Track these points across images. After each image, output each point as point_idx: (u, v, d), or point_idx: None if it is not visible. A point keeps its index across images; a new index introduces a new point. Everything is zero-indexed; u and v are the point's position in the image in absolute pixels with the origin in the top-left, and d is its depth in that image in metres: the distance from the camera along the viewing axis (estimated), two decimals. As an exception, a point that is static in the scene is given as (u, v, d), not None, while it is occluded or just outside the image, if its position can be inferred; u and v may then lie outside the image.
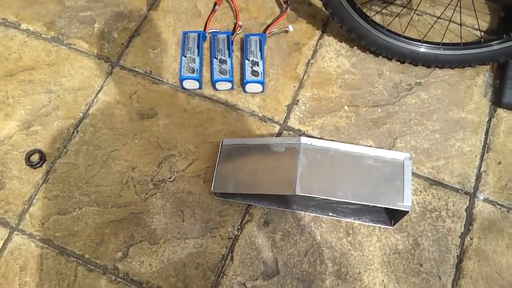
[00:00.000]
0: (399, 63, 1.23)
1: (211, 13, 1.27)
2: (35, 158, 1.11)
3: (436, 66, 1.21)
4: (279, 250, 1.03)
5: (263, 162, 1.03)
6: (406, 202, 0.94)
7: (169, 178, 1.10)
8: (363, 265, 1.02)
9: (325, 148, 1.00)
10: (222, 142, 1.10)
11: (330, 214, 1.06)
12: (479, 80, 1.21)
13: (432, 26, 1.25)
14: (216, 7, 1.28)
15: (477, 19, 1.23)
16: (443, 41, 1.17)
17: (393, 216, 1.05)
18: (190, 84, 1.17)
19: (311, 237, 1.04)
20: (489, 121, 1.17)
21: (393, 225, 1.05)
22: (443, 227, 1.05)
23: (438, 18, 1.27)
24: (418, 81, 1.21)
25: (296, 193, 0.94)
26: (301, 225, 1.05)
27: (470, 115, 1.17)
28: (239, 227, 1.05)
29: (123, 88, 1.20)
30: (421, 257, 1.03)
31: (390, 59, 1.23)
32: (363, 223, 1.06)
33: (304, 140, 1.00)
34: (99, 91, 1.19)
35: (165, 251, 1.03)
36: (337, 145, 1.00)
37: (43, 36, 1.26)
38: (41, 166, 1.11)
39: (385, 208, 1.06)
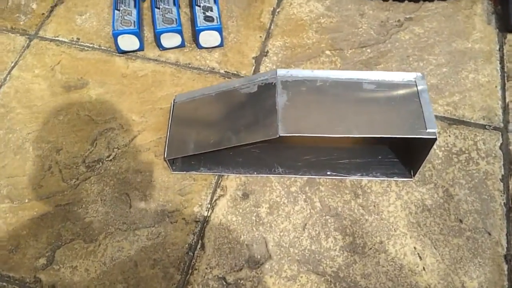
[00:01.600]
0: (381, 1, 1.03)
1: (149, -31, 1.05)
2: None
3: (425, -2, 1.01)
4: (267, 227, 0.74)
5: (231, 109, 0.77)
6: (430, 127, 0.69)
7: (108, 156, 0.81)
8: (384, 231, 0.74)
9: (310, 78, 0.75)
10: (174, 100, 0.83)
11: (329, 173, 0.79)
12: (477, 9, 1.01)
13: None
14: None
15: None
16: (429, -36, 0.99)
17: (411, 163, 0.79)
18: (127, 43, 0.92)
19: (308, 205, 0.76)
20: (500, 49, 0.95)
21: (414, 175, 0.78)
22: (478, 171, 0.79)
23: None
24: (408, 16, 1.00)
25: (280, 134, 0.67)
26: (293, 192, 0.77)
27: (477, 44, 0.95)
28: (208, 205, 0.76)
29: (43, 60, 0.93)
30: (459, 211, 0.75)
31: (370, -4, 1.03)
32: (374, 178, 0.79)
33: (281, 72, 0.75)
34: (12, 68, 0.92)
35: (107, 249, 0.72)
36: (325, 73, 0.75)
37: None
38: None
39: (399, 153, 0.80)
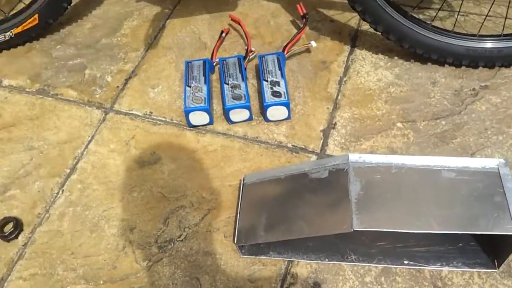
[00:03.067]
0: (453, 67, 0.99)
1: (217, 41, 1.08)
2: (8, 227, 0.86)
3: (502, 65, 0.97)
4: (340, 321, 0.71)
5: (302, 195, 0.76)
6: (518, 224, 0.64)
7: (179, 236, 0.82)
8: (469, 331, 0.69)
9: (384, 165, 0.73)
10: (243, 180, 0.84)
11: (406, 262, 0.75)
12: (561, 74, 0.95)
13: (483, 23, 1.02)
14: (223, 35, 1.09)
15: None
16: (503, 32, 0.94)
17: (496, 252, 0.74)
18: (198, 118, 0.94)
19: (383, 297, 0.73)
20: None
21: (498, 266, 0.73)
22: None
23: (486, 16, 1.05)
24: (483, 84, 0.96)
25: (354, 229, 0.65)
26: (368, 283, 0.74)
27: None
28: (279, 293, 0.75)
29: (118, 134, 0.98)
30: (553, 311, 0.69)
31: (442, 63, 0.99)
32: (455, 269, 0.74)
33: (353, 157, 0.73)
34: (89, 142, 0.97)
35: (178, 338, 0.72)
36: (400, 158, 0.73)
37: (26, 90, 1.08)
38: (16, 237, 0.85)
39: (482, 241, 0.75)
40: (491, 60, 0.95)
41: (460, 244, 0.76)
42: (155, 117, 1.00)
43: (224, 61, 0.99)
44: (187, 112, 0.92)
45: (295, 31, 1.10)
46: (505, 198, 0.67)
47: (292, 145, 0.92)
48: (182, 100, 1.01)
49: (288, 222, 0.74)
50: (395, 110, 0.94)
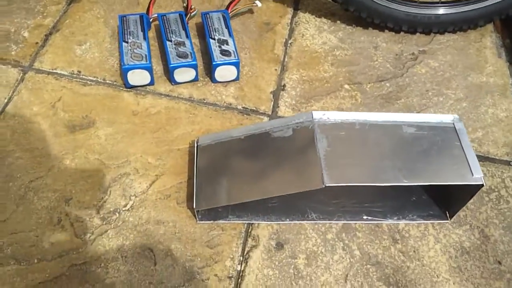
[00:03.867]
0: (393, 33, 1.01)
1: (153, -4, 0.99)
2: None
3: (438, 31, 1.01)
4: (307, 281, 0.69)
5: (265, 155, 0.71)
6: (476, 173, 0.67)
7: (125, 206, 0.74)
8: (427, 278, 0.70)
9: (348, 121, 0.71)
10: (197, 142, 0.77)
11: (365, 217, 0.75)
12: (487, 42, 1.02)
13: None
14: (159, -10, 1.00)
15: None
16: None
17: (447, 204, 0.76)
18: (138, 78, 0.85)
19: (347, 253, 0.72)
20: (513, 83, 0.96)
21: (450, 217, 0.76)
22: (509, 210, 0.78)
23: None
24: (421, 49, 0.99)
25: (326, 184, 0.63)
26: (329, 240, 0.73)
27: (492, 78, 0.96)
28: (241, 258, 0.70)
29: (41, 96, 0.85)
30: (496, 252, 0.73)
31: (383, 28, 1.01)
32: (411, 222, 0.76)
33: (317, 114, 0.71)
34: (6, 104, 0.83)
35: (133, 314, 0.65)
36: (362, 115, 0.72)
37: None
38: None
39: (434, 194, 0.78)
40: (428, 27, 0.99)
41: (414, 198, 0.78)
42: (84, 77, 0.88)
43: (164, 17, 0.91)
44: (125, 70, 0.83)
45: (236, -9, 1.05)
46: (463, 151, 0.69)
47: (243, 107, 0.87)
48: (115, 58, 0.90)
49: (252, 183, 0.69)
50: (342, 73, 0.94)
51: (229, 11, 0.95)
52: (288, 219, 0.74)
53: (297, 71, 0.93)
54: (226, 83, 0.89)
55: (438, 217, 0.76)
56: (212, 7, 1.01)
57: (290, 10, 1.03)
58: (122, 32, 0.87)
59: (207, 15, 0.92)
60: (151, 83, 0.87)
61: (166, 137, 0.81)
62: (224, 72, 0.87)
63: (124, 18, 0.89)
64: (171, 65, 0.84)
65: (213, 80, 0.88)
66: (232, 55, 0.86)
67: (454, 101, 0.91)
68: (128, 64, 0.82)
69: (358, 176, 0.65)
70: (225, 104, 0.87)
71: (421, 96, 0.91)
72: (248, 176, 0.70)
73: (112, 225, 0.72)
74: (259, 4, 0.98)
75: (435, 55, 0.98)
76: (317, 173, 0.64)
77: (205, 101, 0.87)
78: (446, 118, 0.73)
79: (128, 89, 0.87)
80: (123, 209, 0.73)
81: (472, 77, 0.95)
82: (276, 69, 0.93)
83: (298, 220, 0.74)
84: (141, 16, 0.90)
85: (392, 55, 0.98)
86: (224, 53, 0.86)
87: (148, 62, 0.83)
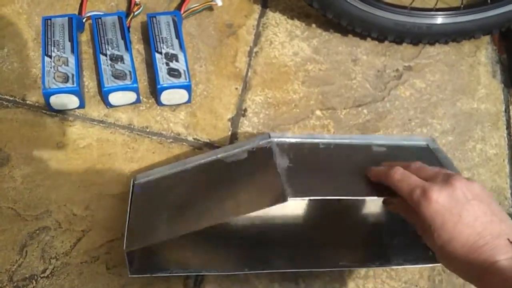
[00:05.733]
0: (376, 42, 0.86)
1: (88, -13, 0.80)
2: None
3: (428, 42, 0.87)
4: None
5: (217, 183, 0.60)
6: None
7: (43, 271, 0.61)
8: None
9: (311, 142, 0.60)
10: (133, 181, 0.64)
11: (341, 263, 0.64)
12: (481, 57, 0.89)
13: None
14: (97, -22, 0.81)
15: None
16: (436, 7, 0.83)
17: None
18: (63, 102, 0.69)
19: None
20: (506, 110, 0.84)
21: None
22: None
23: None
24: (406, 64, 0.85)
25: (289, 198, 0.51)
26: (286, 315, 0.63)
27: (483, 104, 0.84)
28: None
29: None
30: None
31: (365, 37, 0.86)
32: (397, 266, 0.65)
33: (275, 135, 0.59)
34: None
35: None
36: (327, 136, 0.61)
37: None
38: None
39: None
40: (418, 37, 0.85)
41: (395, 242, 0.68)
42: (0, 96, 0.71)
43: (99, 20, 0.73)
44: (46, 95, 0.67)
45: (193, -21, 0.87)
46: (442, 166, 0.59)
47: (194, 139, 0.73)
48: (38, 70, 0.73)
49: (203, 211, 0.57)
50: (314, 94, 0.80)
51: (182, 12, 0.78)
52: (247, 269, 0.63)
53: (261, 91, 0.78)
54: (176, 106, 0.74)
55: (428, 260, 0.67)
56: (163, 2, 0.83)
57: (257, 8, 0.86)
58: (45, 42, 0.70)
59: (154, 18, 0.75)
60: (81, 106, 0.71)
61: (96, 180, 0.67)
62: (172, 96, 0.72)
63: (49, 21, 0.72)
64: (105, 89, 0.68)
65: (158, 103, 0.73)
66: (183, 76, 0.70)
67: (439, 133, 0.79)
68: (50, 88, 0.66)
69: (323, 190, 0.55)
70: (172, 134, 0.73)
71: (402, 126, 0.79)
72: (197, 205, 0.58)
73: (26, 298, 0.59)
74: (219, 3, 0.81)
75: (422, 73, 0.85)
76: (278, 188, 0.53)
77: (147, 130, 0.72)
78: (419, 140, 0.65)
79: (52, 113, 0.71)
80: (41, 275, 0.61)
81: (462, 102, 0.83)
82: (236, 88, 0.78)
83: (259, 270, 0.63)
84: (70, 19, 0.72)
85: (373, 71, 0.84)
86: (173, 73, 0.70)
87: (75, 84, 0.67)
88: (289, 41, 0.84)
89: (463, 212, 0.45)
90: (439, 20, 0.82)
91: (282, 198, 0.52)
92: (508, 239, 0.44)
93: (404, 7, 0.81)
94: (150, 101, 0.74)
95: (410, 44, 0.87)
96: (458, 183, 0.47)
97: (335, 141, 0.62)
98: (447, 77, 0.85)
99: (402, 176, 0.50)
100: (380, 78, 0.83)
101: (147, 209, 0.61)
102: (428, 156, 0.62)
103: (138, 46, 0.79)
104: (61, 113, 0.71)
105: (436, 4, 0.83)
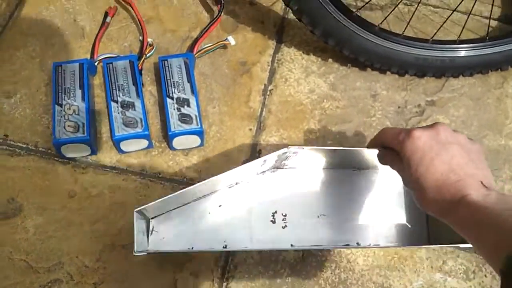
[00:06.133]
0: (396, 76, 0.83)
1: (100, 28, 0.79)
2: None
3: (451, 75, 0.83)
4: None
5: None
6: None
7: (54, 328, 0.60)
8: None
9: None
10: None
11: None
12: (509, 88, 0.84)
13: (445, 20, 0.86)
14: (108, 19, 0.81)
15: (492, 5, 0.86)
16: (460, 39, 0.79)
17: None
18: (75, 150, 0.68)
19: None
20: (537, 146, 0.80)
21: None
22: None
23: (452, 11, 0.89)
24: (429, 99, 0.82)
25: None
26: None
27: (511, 140, 0.79)
28: None
29: (-44, 171, 0.69)
30: None
31: (384, 71, 0.83)
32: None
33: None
34: None
35: None
36: None
37: None
38: None
39: None
40: (440, 71, 0.81)
41: None
42: (12, 143, 0.71)
43: (110, 65, 0.72)
44: (57, 145, 0.66)
45: (206, 15, 0.85)
46: None
47: (206, 184, 0.71)
48: (50, 116, 0.73)
49: None
50: (331, 134, 0.77)
51: (194, 52, 0.77)
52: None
53: (276, 131, 0.76)
54: (188, 150, 0.73)
55: None
56: (175, 40, 0.82)
57: (272, 44, 0.84)
58: (56, 90, 0.69)
59: (165, 61, 0.73)
60: (93, 153, 0.70)
61: (108, 230, 0.66)
62: (185, 141, 0.70)
63: (59, 67, 0.71)
64: (115, 137, 0.67)
65: (171, 148, 0.72)
66: (194, 121, 0.69)
67: (465, 174, 0.75)
68: (60, 138, 0.65)
69: None
70: (185, 179, 0.71)
71: (425, 167, 0.75)
72: None
73: None
74: (232, 41, 0.79)
75: (445, 108, 0.81)
76: None
77: (160, 176, 0.71)
78: None
79: (64, 161, 0.70)
80: (52, 334, 0.60)
81: (489, 139, 0.79)
82: (250, 129, 0.76)
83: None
84: (81, 65, 0.71)
85: (394, 107, 0.80)
86: (184, 119, 0.69)
87: (86, 134, 0.66)
88: (305, 77, 0.81)
89: (442, 150, 0.48)
90: (463, 53, 0.78)
91: None
92: (481, 182, 0.46)
93: (426, 40, 0.78)
94: (162, 145, 0.73)
95: (432, 77, 0.83)
96: (442, 128, 0.50)
97: None
98: (472, 112, 0.81)
99: (390, 129, 0.55)
100: (401, 114, 0.80)
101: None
102: None
103: (151, 88, 0.77)
104: (73, 160, 0.71)
105: (460, 36, 0.79)
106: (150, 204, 0.57)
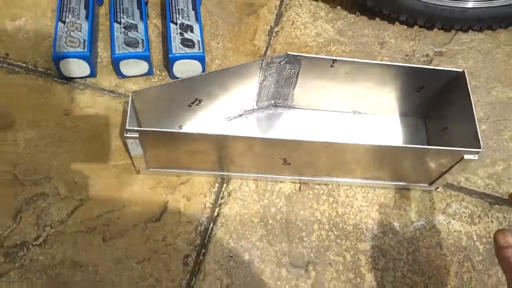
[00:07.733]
0: (405, 26, 0.82)
1: (109, -39, 0.79)
2: None
3: (460, 29, 0.81)
4: None
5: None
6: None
7: (35, 238, 0.58)
8: None
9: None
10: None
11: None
12: (520, 46, 0.82)
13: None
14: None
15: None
16: (470, -12, 0.78)
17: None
18: (73, 68, 0.67)
19: None
20: (548, 101, 0.77)
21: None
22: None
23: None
24: (437, 50, 0.80)
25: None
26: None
27: (521, 94, 0.77)
28: None
29: (-48, 83, 0.68)
30: None
31: (393, 21, 0.81)
32: None
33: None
34: None
35: None
36: None
37: None
38: None
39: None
40: (449, 22, 0.79)
41: None
42: (12, 62, 0.70)
43: (116, -11, 0.72)
44: (56, 59, 0.65)
45: (216, -40, 0.85)
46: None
47: (205, 113, 0.69)
48: (52, 39, 0.72)
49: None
50: (336, 75, 0.75)
51: (201, -14, 0.76)
52: None
53: (279, 70, 0.75)
54: (188, 80, 0.71)
55: None
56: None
57: (281, -11, 0.83)
58: (60, 9, 0.68)
59: (171, -9, 0.73)
60: (92, 74, 0.69)
61: (102, 149, 0.64)
62: (186, 67, 0.69)
63: (66, -12, 0.70)
64: (114, 56, 0.65)
65: (171, 75, 0.70)
66: (196, 46, 0.67)
67: (472, 122, 0.73)
68: (59, 52, 0.64)
69: None
70: (183, 108, 0.69)
71: (431, 113, 0.73)
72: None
73: (17, 264, 0.56)
74: (240, -20, 0.78)
75: (454, 59, 0.79)
76: None
77: (158, 103, 0.69)
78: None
79: (63, 81, 0.69)
80: (33, 243, 0.57)
81: (497, 90, 0.76)
82: (253, 66, 0.74)
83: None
84: (87, -13, 0.71)
85: (401, 55, 0.79)
86: (187, 43, 0.67)
87: (86, 49, 0.65)
88: (312, 22, 0.80)
89: None
90: (474, 3, 0.77)
91: None
92: None
93: (436, -12, 0.76)
94: (163, 73, 0.72)
95: (441, 30, 0.82)
96: None
97: None
98: (481, 64, 0.79)
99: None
100: (408, 62, 0.78)
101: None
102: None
103: (156, 21, 0.77)
104: (72, 81, 0.69)
105: (471, -14, 0.78)
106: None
